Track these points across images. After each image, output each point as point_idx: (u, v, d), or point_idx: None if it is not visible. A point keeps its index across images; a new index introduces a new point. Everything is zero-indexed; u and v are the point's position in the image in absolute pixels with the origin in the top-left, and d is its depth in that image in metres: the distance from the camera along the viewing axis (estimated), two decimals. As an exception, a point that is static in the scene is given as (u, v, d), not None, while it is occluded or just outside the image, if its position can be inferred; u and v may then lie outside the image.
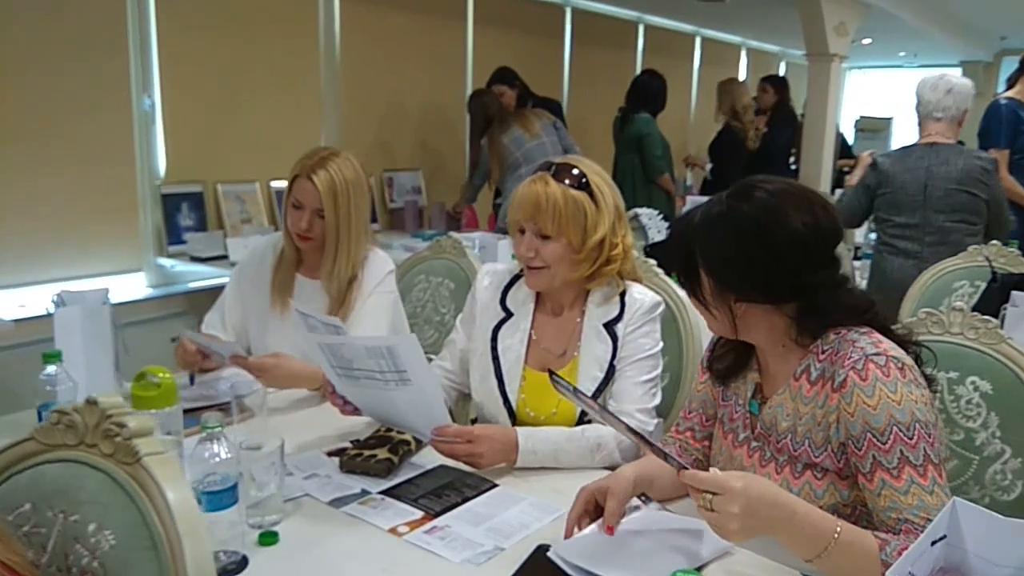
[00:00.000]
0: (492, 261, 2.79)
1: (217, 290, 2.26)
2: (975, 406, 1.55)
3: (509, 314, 1.79)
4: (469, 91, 4.90)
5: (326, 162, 2.02)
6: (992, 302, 2.25)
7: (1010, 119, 3.53)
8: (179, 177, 3.79)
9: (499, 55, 5.01)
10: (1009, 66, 4.53)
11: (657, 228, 3.56)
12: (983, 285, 2.43)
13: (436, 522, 1.34)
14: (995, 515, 0.91)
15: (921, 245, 3.03)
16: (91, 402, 0.98)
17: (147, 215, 3.72)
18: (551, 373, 1.26)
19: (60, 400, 1.42)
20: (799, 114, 5.98)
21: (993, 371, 1.54)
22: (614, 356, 1.68)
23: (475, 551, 1.25)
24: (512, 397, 1.73)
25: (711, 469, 1.09)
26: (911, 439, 1.15)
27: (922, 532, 0.94)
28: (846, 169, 7.35)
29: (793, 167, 5.87)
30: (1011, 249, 2.51)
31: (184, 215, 3.84)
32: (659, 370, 1.72)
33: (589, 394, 1.68)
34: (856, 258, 3.77)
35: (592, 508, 1.30)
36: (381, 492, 1.44)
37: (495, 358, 1.76)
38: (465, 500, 1.41)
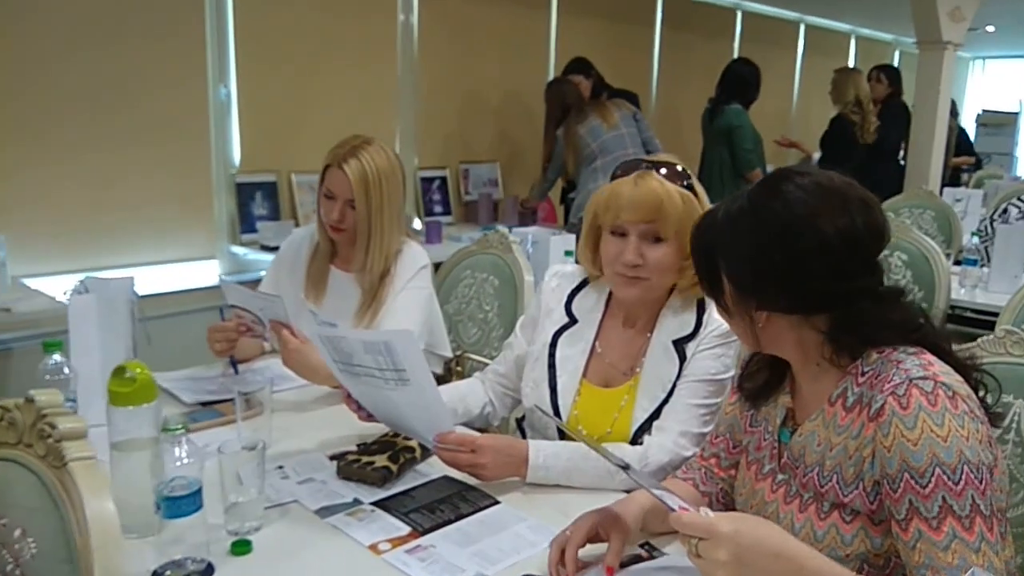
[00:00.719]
0: (544, 258, 2.68)
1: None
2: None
3: (573, 320, 1.65)
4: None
5: (358, 151, 1.95)
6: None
7: None
8: (253, 166, 3.83)
9: (583, 43, 4.86)
10: None
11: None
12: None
13: (422, 540, 1.24)
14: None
15: None
16: (29, 399, 0.93)
17: (221, 203, 3.79)
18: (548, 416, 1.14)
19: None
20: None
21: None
22: (679, 376, 1.53)
23: (453, 576, 1.15)
24: (564, 412, 1.59)
25: (701, 509, 0.95)
26: (956, 484, 0.96)
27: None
28: (964, 168, 6.84)
29: (902, 163, 5.48)
30: None
31: (257, 204, 3.88)
32: (720, 399, 1.53)
33: (646, 416, 1.53)
34: (957, 263, 3.44)
35: (589, 539, 1.17)
36: (373, 503, 1.35)
37: (552, 366, 1.63)
38: (459, 517, 1.31)
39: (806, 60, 7.26)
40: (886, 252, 1.15)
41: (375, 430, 1.58)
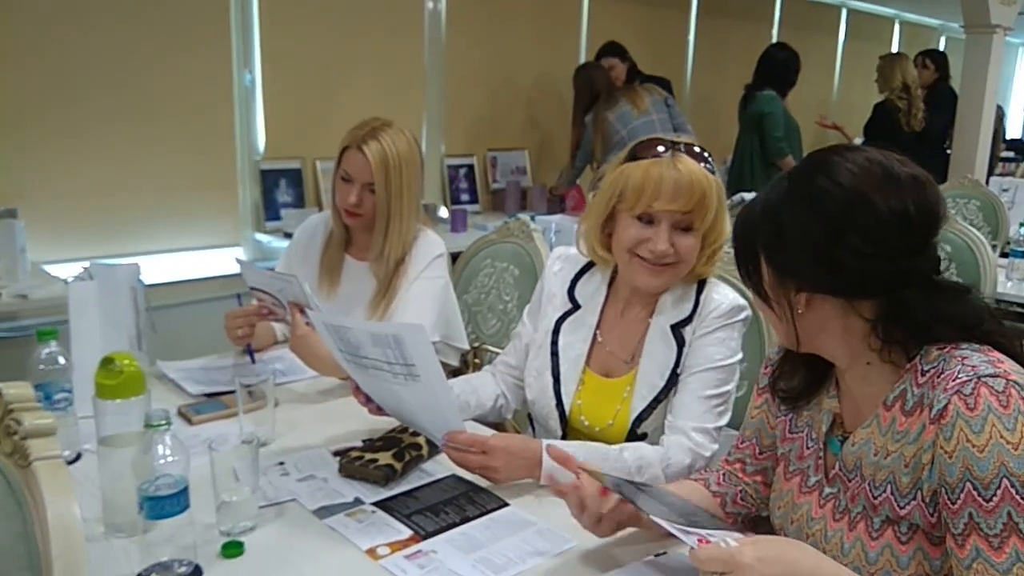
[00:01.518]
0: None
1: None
2: None
3: (576, 306, 1.58)
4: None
5: (378, 133, 1.87)
6: None
7: None
8: (278, 153, 3.79)
9: (616, 28, 4.73)
10: None
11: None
12: None
13: (423, 545, 1.16)
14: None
15: None
16: (-5, 393, 0.87)
17: (246, 190, 3.75)
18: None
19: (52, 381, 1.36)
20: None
21: None
22: (678, 363, 1.45)
23: (454, 586, 1.07)
24: (567, 400, 1.53)
25: (723, 537, 0.85)
26: None
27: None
28: (1010, 156, 6.59)
29: (948, 151, 5.29)
30: None
31: (282, 191, 3.84)
32: (731, 385, 1.46)
33: (644, 405, 1.45)
34: (1003, 255, 3.28)
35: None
36: (375, 503, 1.28)
37: (554, 353, 1.56)
38: (464, 520, 1.23)
39: (848, 46, 7.03)
40: (930, 241, 1.05)
41: (385, 424, 1.51)
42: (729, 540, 0.89)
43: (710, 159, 1.44)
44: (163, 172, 3.39)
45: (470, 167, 4.47)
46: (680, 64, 5.59)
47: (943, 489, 0.91)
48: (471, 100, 4.46)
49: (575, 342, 1.55)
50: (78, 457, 1.39)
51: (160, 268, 3.41)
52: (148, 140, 3.32)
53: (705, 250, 1.46)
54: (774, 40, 6.06)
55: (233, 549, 1.13)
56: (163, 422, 1.03)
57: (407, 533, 1.19)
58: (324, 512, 1.25)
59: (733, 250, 1.09)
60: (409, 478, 1.36)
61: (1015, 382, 0.90)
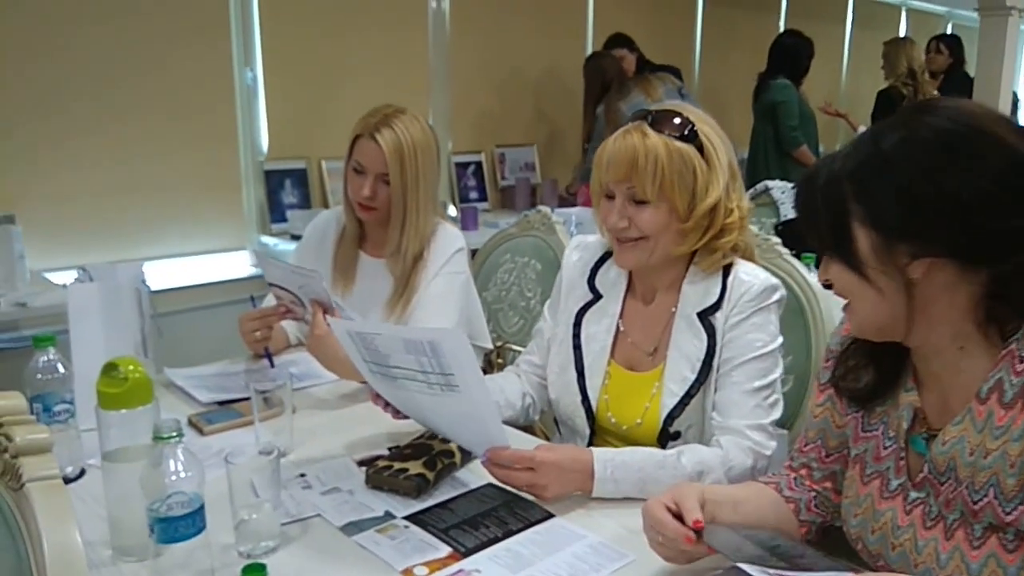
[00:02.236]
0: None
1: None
2: None
3: (597, 296, 1.48)
4: (589, 59, 4.55)
5: (391, 120, 1.76)
6: None
7: None
8: (282, 153, 3.68)
9: (622, 19, 4.63)
10: None
11: (792, 204, 3.11)
12: None
13: (464, 563, 1.05)
14: None
15: None
16: (-18, 405, 0.76)
17: (250, 192, 3.64)
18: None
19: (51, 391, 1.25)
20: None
21: None
22: (711, 354, 1.34)
23: (504, 609, 0.96)
24: (593, 395, 1.42)
25: None
26: None
27: None
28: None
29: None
30: None
31: (287, 192, 3.74)
32: (777, 373, 1.35)
33: (675, 401, 1.34)
34: None
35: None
36: (407, 516, 1.16)
37: (577, 347, 1.46)
38: (507, 535, 1.12)
39: (855, 35, 6.92)
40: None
41: (412, 429, 1.40)
42: None
43: (687, 125, 1.32)
44: (165, 174, 3.28)
45: (478, 164, 4.36)
46: (687, 54, 5.48)
47: None
48: (477, 96, 4.36)
49: (598, 333, 1.45)
50: (82, 474, 1.29)
51: (164, 273, 3.30)
52: (148, 142, 3.21)
53: (690, 223, 1.33)
54: (781, 29, 5.96)
55: (255, 573, 1.02)
56: (174, 433, 0.92)
57: (445, 550, 1.08)
58: (352, 528, 1.14)
59: (803, 224, 0.97)
60: (442, 488, 1.25)
61: None
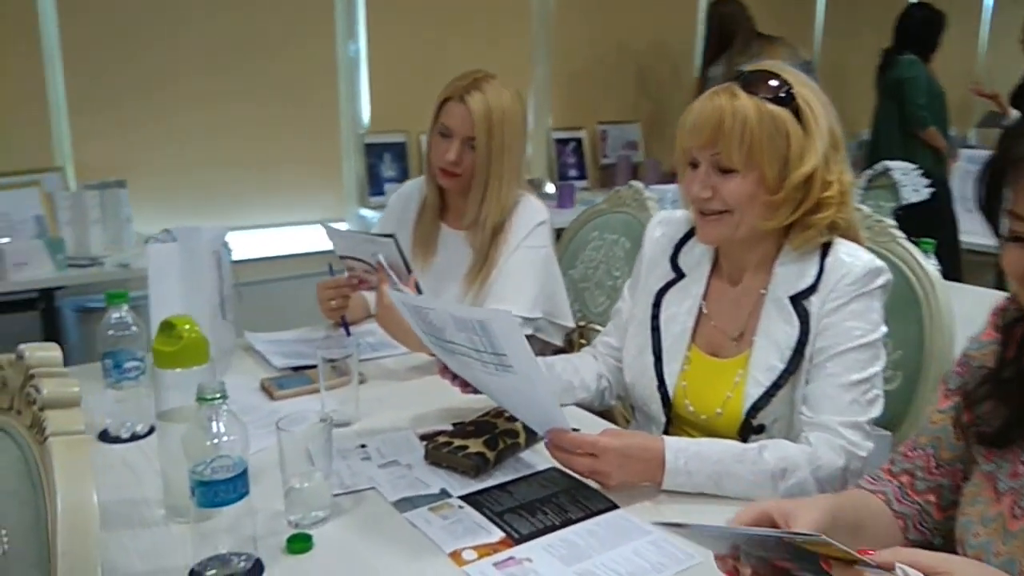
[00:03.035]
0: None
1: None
2: None
3: (680, 275, 1.38)
4: (699, 34, 4.36)
5: (481, 84, 1.71)
6: None
7: None
8: (383, 126, 3.70)
9: (736, -9, 4.41)
10: None
11: (914, 187, 2.87)
12: None
13: (515, 551, 0.99)
14: None
15: None
16: (19, 356, 0.75)
17: (350, 164, 3.68)
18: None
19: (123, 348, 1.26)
20: None
21: None
22: (803, 342, 1.22)
23: (551, 604, 0.89)
24: (670, 381, 1.32)
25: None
26: None
27: None
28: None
29: None
30: None
31: (387, 165, 3.76)
32: (878, 366, 1.21)
33: (760, 392, 1.23)
34: None
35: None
36: (463, 496, 1.11)
37: (655, 328, 1.36)
38: (565, 524, 1.05)
39: (997, 7, 6.38)
40: None
41: (480, 405, 1.35)
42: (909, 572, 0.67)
43: (783, 87, 1.19)
44: (267, 147, 3.36)
45: (578, 141, 4.26)
46: (807, 28, 5.18)
47: None
48: (580, 71, 4.25)
49: (679, 315, 1.35)
50: (151, 431, 1.30)
51: (263, 242, 3.38)
52: (252, 115, 3.30)
53: (780, 195, 1.20)
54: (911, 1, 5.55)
55: (300, 543, 0.99)
56: (217, 395, 0.89)
57: (498, 535, 1.02)
58: (405, 504, 1.09)
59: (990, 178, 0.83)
60: (503, 469, 1.19)
61: None
